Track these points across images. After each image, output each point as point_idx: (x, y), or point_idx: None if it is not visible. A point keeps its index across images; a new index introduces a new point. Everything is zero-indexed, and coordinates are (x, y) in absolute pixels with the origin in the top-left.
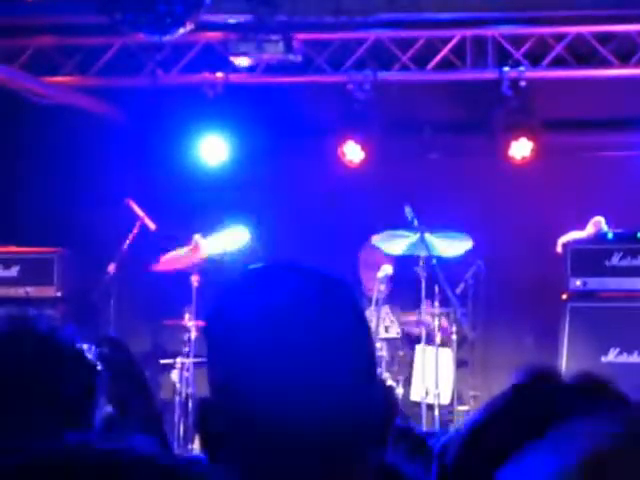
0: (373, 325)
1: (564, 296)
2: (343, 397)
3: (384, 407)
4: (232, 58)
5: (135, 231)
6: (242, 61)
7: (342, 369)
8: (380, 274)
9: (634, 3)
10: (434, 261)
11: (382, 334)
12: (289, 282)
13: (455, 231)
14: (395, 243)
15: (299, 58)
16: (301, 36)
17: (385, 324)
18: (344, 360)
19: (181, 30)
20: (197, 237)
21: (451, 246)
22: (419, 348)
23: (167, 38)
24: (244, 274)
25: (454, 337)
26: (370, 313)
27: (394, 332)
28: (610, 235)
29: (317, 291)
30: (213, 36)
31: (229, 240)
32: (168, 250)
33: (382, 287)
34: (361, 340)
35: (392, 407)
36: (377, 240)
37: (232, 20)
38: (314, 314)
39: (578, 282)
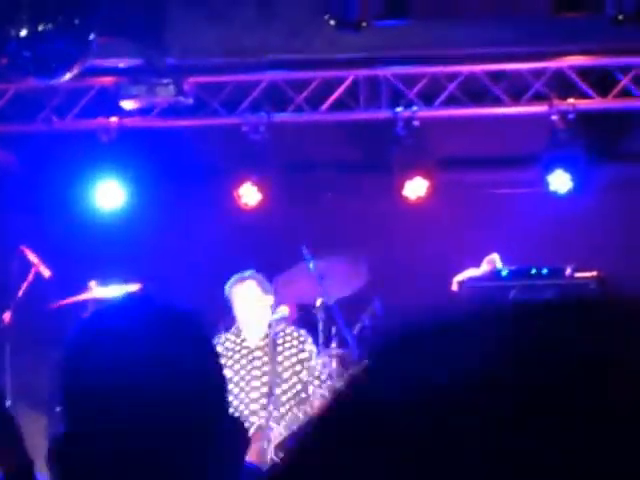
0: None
1: None
2: (177, 428)
3: (230, 441)
4: (121, 102)
5: (30, 278)
6: (128, 104)
7: (177, 400)
8: (276, 315)
9: (525, 42)
10: (331, 301)
11: None
12: (133, 314)
13: (349, 273)
14: (294, 285)
15: (190, 101)
16: (194, 79)
17: None
18: (179, 391)
19: (68, 74)
20: (93, 284)
21: (345, 285)
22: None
23: (55, 81)
24: (100, 307)
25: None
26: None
27: None
28: (505, 272)
29: (158, 323)
30: (106, 80)
31: (123, 290)
32: (64, 297)
33: (278, 329)
34: (202, 373)
35: (240, 441)
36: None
37: (123, 64)
38: (154, 344)
39: None
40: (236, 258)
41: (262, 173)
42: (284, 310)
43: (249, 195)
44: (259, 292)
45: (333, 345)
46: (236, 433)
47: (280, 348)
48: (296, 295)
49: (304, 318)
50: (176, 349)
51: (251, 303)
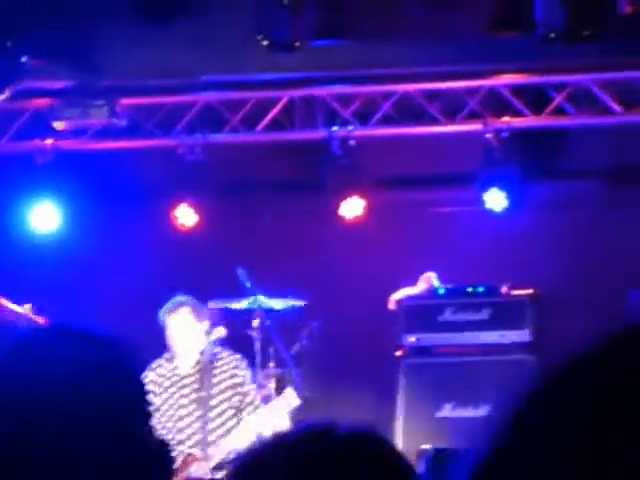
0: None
1: (399, 353)
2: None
3: (154, 464)
4: (54, 123)
5: None
6: (60, 125)
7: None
8: (212, 337)
9: (460, 61)
10: (268, 322)
11: None
12: (56, 343)
13: (288, 295)
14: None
15: (124, 123)
16: (128, 100)
17: None
18: (90, 417)
19: (1, 96)
20: (27, 307)
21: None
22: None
23: None
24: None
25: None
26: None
27: None
28: (441, 290)
29: (72, 349)
30: (40, 103)
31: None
32: None
33: (215, 351)
34: (114, 398)
35: (165, 465)
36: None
37: (57, 86)
38: (66, 371)
39: (412, 338)
40: (173, 280)
41: (198, 194)
42: (221, 331)
43: (185, 216)
44: (193, 320)
45: (271, 365)
46: (160, 456)
47: (211, 375)
48: (231, 315)
49: (242, 338)
50: (84, 374)
51: (184, 331)
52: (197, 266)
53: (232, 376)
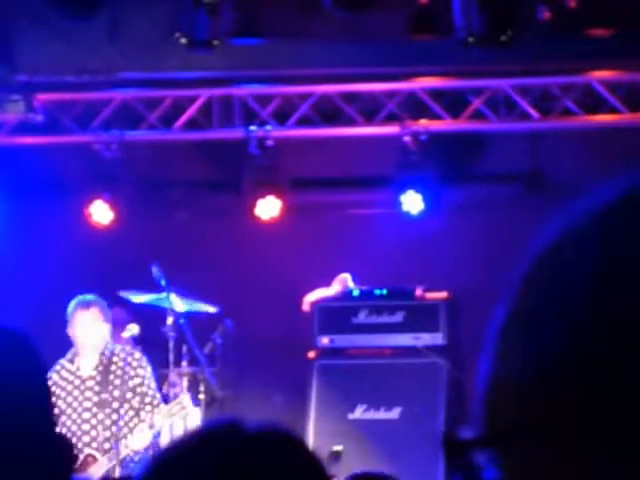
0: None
1: (312, 354)
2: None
3: (54, 458)
4: None
5: None
6: None
7: None
8: (126, 334)
9: (379, 63)
10: (182, 321)
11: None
12: None
13: (203, 297)
14: (142, 296)
15: (40, 118)
16: (45, 96)
17: None
18: None
19: None
20: None
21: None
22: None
23: None
24: None
25: (202, 397)
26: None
27: None
28: (356, 292)
29: None
30: None
31: None
32: None
33: (128, 348)
34: (31, 394)
35: (65, 460)
36: (125, 294)
37: None
38: None
39: (325, 340)
40: (87, 276)
41: (114, 191)
42: (133, 329)
43: (101, 213)
44: (101, 320)
45: (184, 364)
46: (60, 451)
47: (112, 376)
48: (145, 313)
49: (155, 336)
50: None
51: (92, 330)
52: (112, 263)
53: (132, 377)
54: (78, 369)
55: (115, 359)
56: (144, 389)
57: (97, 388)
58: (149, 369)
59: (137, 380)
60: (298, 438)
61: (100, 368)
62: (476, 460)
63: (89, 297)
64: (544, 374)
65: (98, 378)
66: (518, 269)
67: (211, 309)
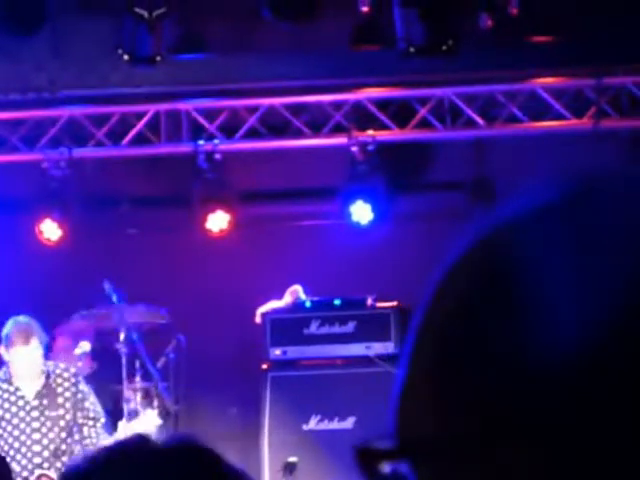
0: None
1: (264, 366)
2: None
3: None
4: None
5: None
6: None
7: None
8: (77, 351)
9: (324, 75)
10: (134, 336)
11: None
12: None
13: (152, 307)
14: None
15: None
16: None
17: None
18: None
19: None
20: None
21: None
22: (121, 425)
23: None
24: None
25: (156, 412)
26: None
27: None
28: (308, 303)
29: None
30: None
31: None
32: None
33: (80, 364)
34: None
35: None
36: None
37: None
38: None
39: (278, 351)
40: (37, 294)
41: (64, 209)
42: (85, 346)
43: (50, 231)
44: (40, 348)
45: (137, 379)
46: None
47: (54, 395)
48: (98, 329)
49: (107, 351)
50: None
51: (32, 363)
52: (63, 280)
53: (74, 394)
54: (18, 389)
55: (57, 379)
56: (87, 404)
57: (42, 408)
58: (86, 387)
59: (79, 396)
60: (210, 452)
61: (43, 390)
62: (390, 471)
63: (24, 321)
64: (454, 382)
65: (43, 399)
66: (434, 275)
67: (161, 318)
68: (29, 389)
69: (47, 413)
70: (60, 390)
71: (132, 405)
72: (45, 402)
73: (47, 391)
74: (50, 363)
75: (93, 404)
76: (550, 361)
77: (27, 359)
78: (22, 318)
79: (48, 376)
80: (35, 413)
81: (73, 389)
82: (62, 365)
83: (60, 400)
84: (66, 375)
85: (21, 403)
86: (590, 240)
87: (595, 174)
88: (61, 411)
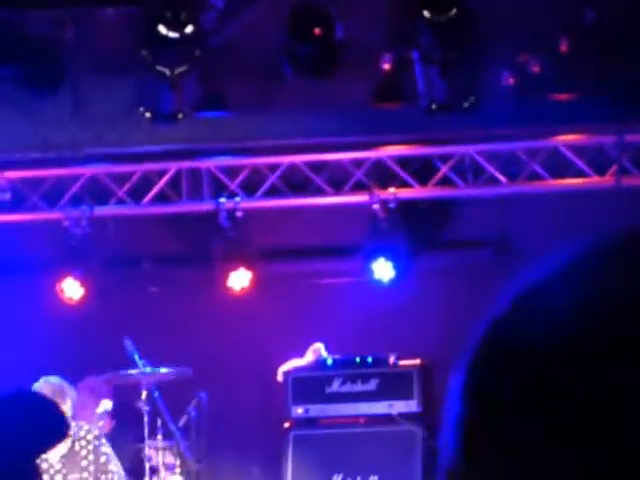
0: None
1: (287, 424)
2: None
3: None
4: None
5: None
6: None
7: None
8: (99, 410)
9: (345, 132)
10: (156, 394)
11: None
12: None
13: (175, 367)
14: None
15: (8, 196)
16: (12, 173)
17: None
18: None
19: None
20: None
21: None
22: None
23: None
24: None
25: (178, 470)
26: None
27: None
28: (330, 362)
29: None
30: None
31: None
32: None
33: (101, 423)
34: None
35: None
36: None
37: None
38: None
39: (300, 410)
40: (59, 354)
41: (85, 267)
42: (107, 404)
43: (71, 290)
44: (71, 411)
45: (159, 437)
46: None
47: (79, 458)
48: (118, 387)
49: (128, 409)
50: None
51: None
52: (84, 338)
53: (98, 456)
54: None
55: (80, 441)
56: (110, 467)
57: (65, 471)
58: (110, 449)
59: (103, 459)
60: None
61: (67, 452)
62: None
63: (57, 382)
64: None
65: (66, 463)
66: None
67: (183, 376)
68: (54, 452)
69: (70, 477)
70: (84, 453)
71: (154, 463)
72: (68, 465)
73: (71, 454)
74: (73, 424)
75: (117, 466)
76: None
77: None
78: (54, 379)
79: (74, 440)
80: (58, 477)
81: (96, 452)
82: (86, 427)
83: (84, 463)
84: (90, 437)
85: (45, 466)
86: None
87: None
88: (85, 474)
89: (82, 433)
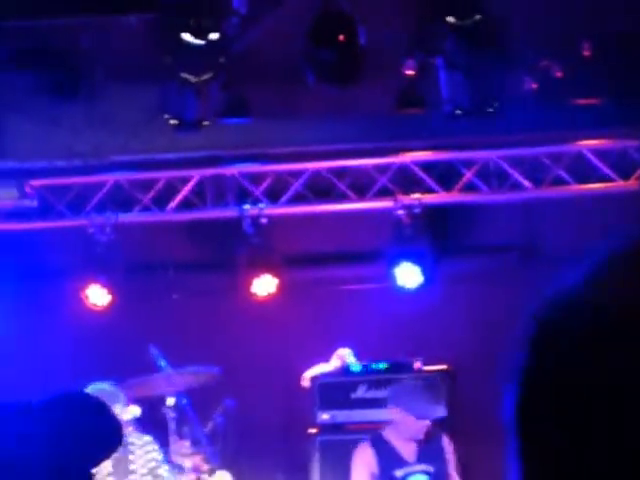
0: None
1: (313, 430)
2: None
3: None
4: None
5: None
6: None
7: None
8: (127, 416)
9: (369, 138)
10: (184, 401)
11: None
12: None
13: (203, 367)
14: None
15: (34, 203)
16: (38, 182)
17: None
18: None
19: None
20: None
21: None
22: None
23: None
24: None
25: (206, 477)
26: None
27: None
28: (355, 367)
29: None
30: None
31: None
32: None
33: (130, 429)
34: None
35: None
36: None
37: None
38: None
39: (325, 415)
40: (86, 360)
41: (110, 274)
42: (135, 410)
43: (97, 297)
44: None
45: (186, 444)
46: None
47: (129, 465)
48: (144, 394)
49: (156, 417)
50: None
51: None
52: (110, 346)
53: (147, 461)
54: None
55: (129, 447)
56: (160, 471)
57: (113, 478)
58: (161, 453)
59: (152, 464)
60: None
61: (115, 460)
62: None
63: (111, 390)
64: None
65: (116, 470)
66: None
67: (213, 377)
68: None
69: None
70: (131, 458)
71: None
72: (118, 474)
73: (120, 462)
74: (128, 429)
75: (167, 470)
76: None
77: None
78: (106, 386)
79: (123, 445)
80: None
81: (146, 457)
82: (134, 433)
83: (131, 467)
84: (141, 442)
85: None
86: None
87: None
88: (132, 477)
89: (131, 439)
